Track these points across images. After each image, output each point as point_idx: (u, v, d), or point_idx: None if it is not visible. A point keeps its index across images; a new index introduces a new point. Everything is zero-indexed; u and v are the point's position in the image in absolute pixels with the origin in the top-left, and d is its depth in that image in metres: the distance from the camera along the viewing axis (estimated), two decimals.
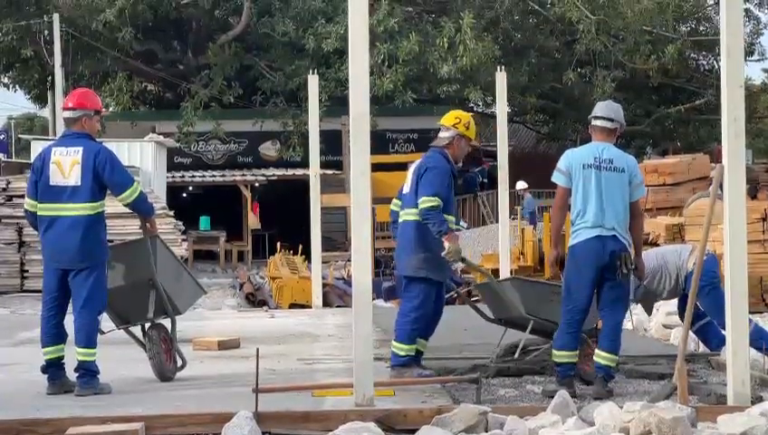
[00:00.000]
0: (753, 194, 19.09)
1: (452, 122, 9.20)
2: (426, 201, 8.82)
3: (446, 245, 8.78)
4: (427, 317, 9.04)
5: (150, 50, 35.38)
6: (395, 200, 9.38)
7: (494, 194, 26.95)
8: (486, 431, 6.67)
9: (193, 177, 34.45)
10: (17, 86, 38.62)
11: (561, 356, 8.57)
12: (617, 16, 32.95)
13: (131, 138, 28.70)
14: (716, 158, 22.21)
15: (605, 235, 8.49)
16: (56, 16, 31.86)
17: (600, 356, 8.58)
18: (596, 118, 8.78)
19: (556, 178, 8.67)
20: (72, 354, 8.64)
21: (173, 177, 32.24)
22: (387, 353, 10.59)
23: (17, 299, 20.22)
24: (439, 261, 8.94)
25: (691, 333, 9.34)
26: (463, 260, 9.21)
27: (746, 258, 7.53)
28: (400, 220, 9.17)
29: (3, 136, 49.19)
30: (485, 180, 31.96)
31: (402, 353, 8.96)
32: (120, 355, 9.89)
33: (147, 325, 9.35)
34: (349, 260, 23.04)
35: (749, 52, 38.35)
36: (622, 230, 8.56)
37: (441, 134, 9.23)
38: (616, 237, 8.50)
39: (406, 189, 9.16)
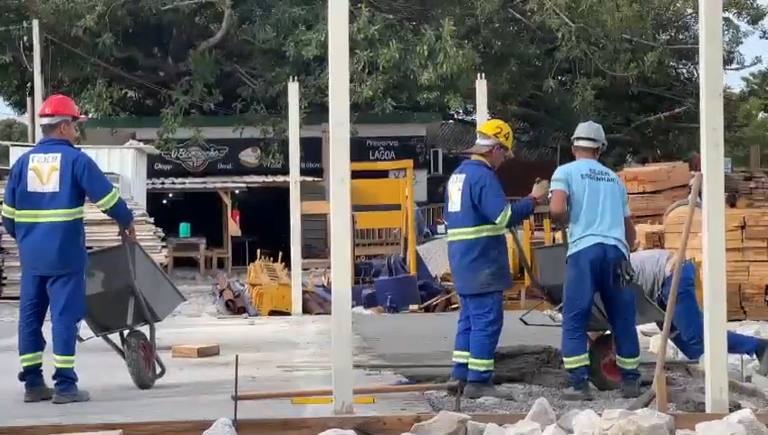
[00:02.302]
0: (731, 202, 19.15)
1: (493, 131, 9.21)
2: (503, 217, 8.83)
3: (538, 192, 9.02)
4: (501, 329, 8.99)
5: (130, 56, 35.26)
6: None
7: None
8: None
9: (173, 183, 34.37)
10: None
11: (572, 362, 8.82)
12: (597, 24, 33.02)
13: (111, 144, 28.60)
14: (696, 166, 22.29)
15: (607, 243, 8.80)
16: (35, 22, 31.72)
17: (624, 362, 8.92)
18: (579, 138, 9.18)
19: (554, 185, 8.96)
20: (50, 362, 8.62)
21: (153, 183, 32.16)
22: (367, 361, 10.60)
23: None
24: (502, 271, 8.99)
25: (669, 340, 9.41)
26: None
27: (725, 266, 7.56)
28: (453, 240, 9.05)
29: None
30: None
31: (483, 369, 8.86)
32: (98, 362, 9.87)
33: (125, 332, 9.32)
34: (328, 267, 23.00)
35: (728, 60, 38.49)
36: (622, 238, 8.88)
37: (480, 141, 9.20)
38: (617, 247, 8.82)
39: (454, 208, 9.05)
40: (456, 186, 9.06)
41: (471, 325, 8.96)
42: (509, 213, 8.83)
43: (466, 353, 8.96)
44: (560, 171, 9.03)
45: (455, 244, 9.04)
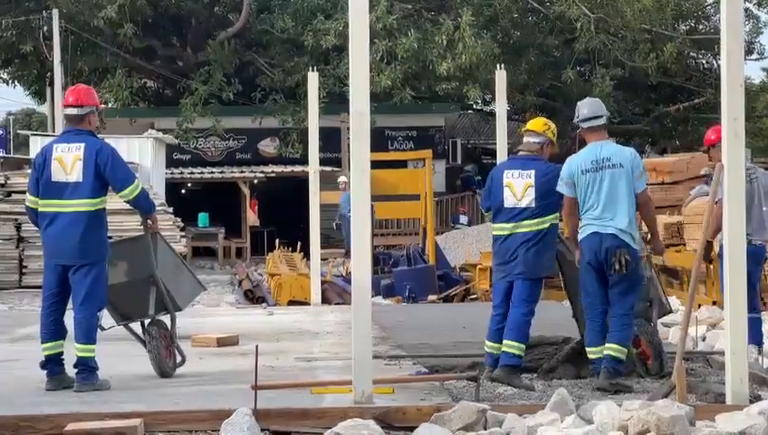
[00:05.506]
0: None
1: (543, 128, 9.30)
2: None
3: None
4: None
5: (150, 46, 35.35)
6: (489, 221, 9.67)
7: None
8: (485, 429, 6.68)
9: (192, 173, 34.43)
10: (16, 82, 38.58)
11: (590, 352, 8.87)
12: (616, 15, 32.94)
13: (130, 134, 28.68)
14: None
15: (603, 232, 8.72)
16: (56, 12, 31.83)
17: (610, 349, 8.71)
18: (586, 120, 8.97)
19: (560, 188, 8.93)
20: (72, 350, 8.66)
21: (172, 173, 32.23)
22: (386, 351, 10.62)
23: (16, 295, 20.21)
24: (553, 256, 9.24)
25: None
26: None
27: (745, 257, 7.55)
28: (519, 231, 9.07)
29: (1, 132, 49.17)
30: (480, 177, 31.76)
31: (517, 353, 8.98)
32: (119, 351, 9.91)
33: (147, 322, 9.36)
34: (347, 257, 23.03)
35: (748, 51, 38.30)
36: (625, 226, 8.71)
37: (531, 139, 9.26)
38: (615, 235, 8.69)
39: (523, 202, 9.08)
40: (522, 181, 9.09)
41: (512, 309, 9.07)
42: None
43: (499, 346, 9.08)
44: (564, 172, 8.89)
45: (521, 234, 9.07)
